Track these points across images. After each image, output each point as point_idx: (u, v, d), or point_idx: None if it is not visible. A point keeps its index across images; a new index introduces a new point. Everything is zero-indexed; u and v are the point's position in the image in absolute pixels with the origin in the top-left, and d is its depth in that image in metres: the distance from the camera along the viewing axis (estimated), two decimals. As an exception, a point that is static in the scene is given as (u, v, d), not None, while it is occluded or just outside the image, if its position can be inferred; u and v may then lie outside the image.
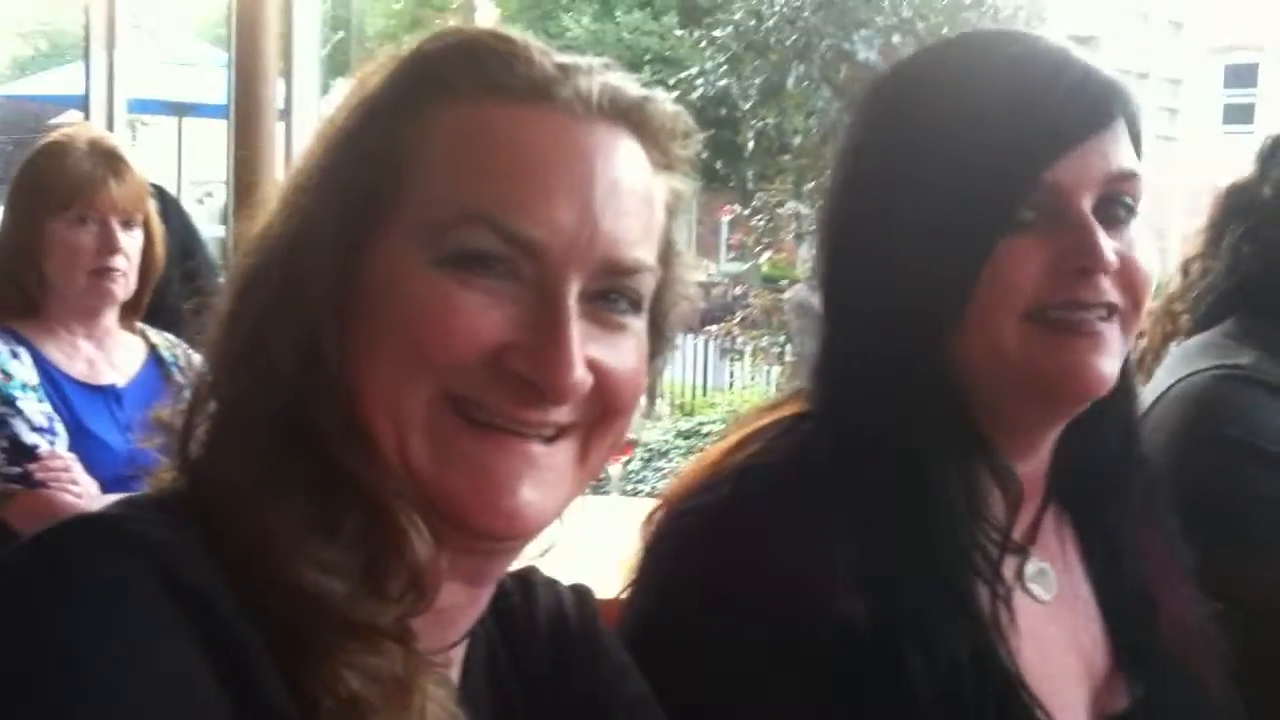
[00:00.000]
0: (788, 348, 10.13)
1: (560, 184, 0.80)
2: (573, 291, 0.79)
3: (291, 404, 0.79)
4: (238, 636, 0.71)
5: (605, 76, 0.84)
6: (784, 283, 10.68)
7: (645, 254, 0.83)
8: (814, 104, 9.23)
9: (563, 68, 0.83)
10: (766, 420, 1.16)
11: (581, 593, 1.04)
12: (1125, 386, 1.15)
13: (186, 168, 12.01)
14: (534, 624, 0.98)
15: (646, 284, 0.84)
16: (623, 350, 0.83)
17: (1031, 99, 1.05)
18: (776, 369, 10.31)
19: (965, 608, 1.06)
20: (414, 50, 0.85)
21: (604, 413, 0.82)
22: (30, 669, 0.66)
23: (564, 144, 0.81)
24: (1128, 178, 1.07)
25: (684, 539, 1.08)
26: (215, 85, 8.77)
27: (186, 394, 0.83)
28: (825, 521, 1.03)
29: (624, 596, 1.12)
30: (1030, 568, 1.14)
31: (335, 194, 0.81)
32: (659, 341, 0.89)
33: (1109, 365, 1.06)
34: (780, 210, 10.15)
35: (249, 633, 0.72)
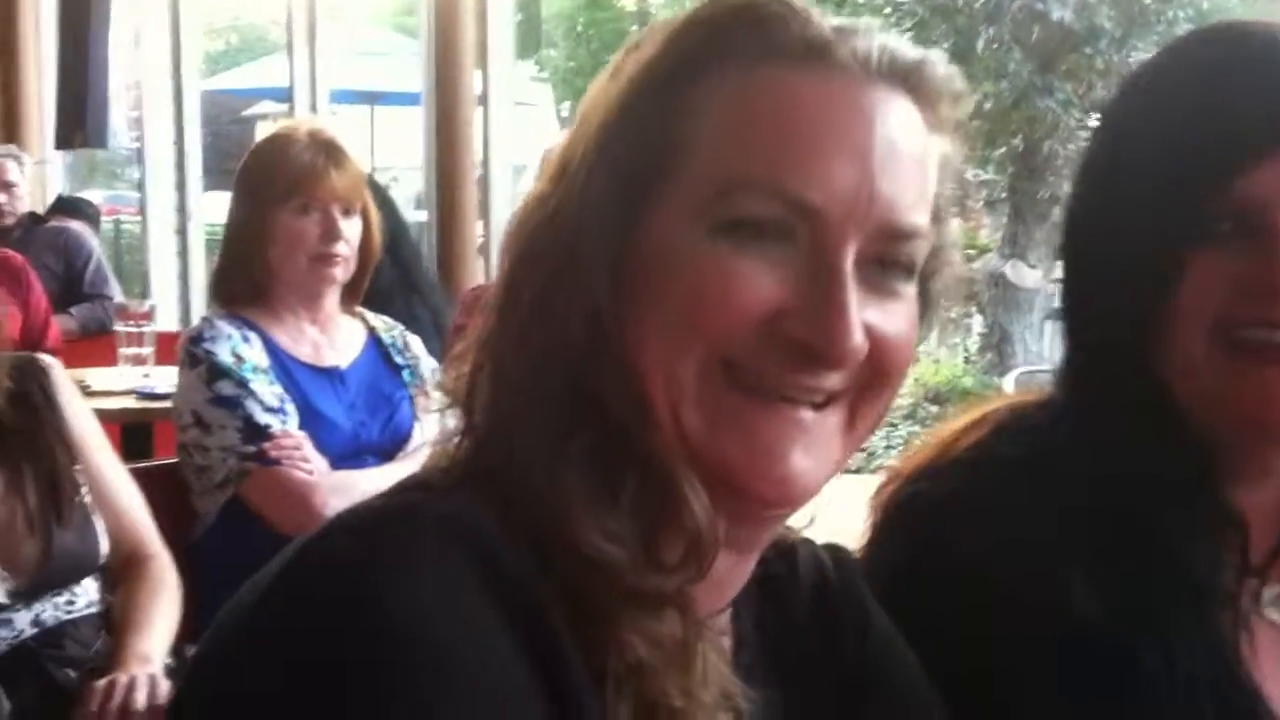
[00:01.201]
0: (977, 320, 9.93)
1: (838, 145, 0.78)
2: (850, 255, 0.78)
3: (575, 373, 0.79)
4: (550, 619, 0.73)
5: (881, 38, 0.82)
6: (970, 252, 10.45)
7: (921, 218, 0.81)
8: (1005, 67, 8.97)
9: (839, 30, 0.81)
10: (1001, 407, 1.15)
11: (839, 554, 1.02)
12: None
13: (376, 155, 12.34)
14: (797, 590, 0.97)
15: (920, 250, 0.82)
16: (896, 317, 0.81)
17: (1224, 102, 1.00)
18: (966, 341, 10.11)
19: (1205, 625, 1.02)
20: (689, 17, 0.84)
21: (874, 380, 0.81)
22: (386, 660, 0.68)
23: (842, 105, 0.79)
24: None
25: (921, 521, 1.07)
26: (406, 74, 9.02)
27: (465, 366, 0.85)
28: (1060, 517, 1.01)
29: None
30: (1268, 593, 1.09)
31: (614, 165, 0.81)
32: (924, 309, 0.86)
33: None
34: (969, 179, 9.94)
35: (557, 611, 0.73)
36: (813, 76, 0.80)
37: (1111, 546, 1.01)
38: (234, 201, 2.79)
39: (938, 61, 0.84)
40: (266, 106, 14.62)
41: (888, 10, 9.53)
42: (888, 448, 8.00)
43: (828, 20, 0.82)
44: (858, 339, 0.77)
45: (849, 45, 0.80)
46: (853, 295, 0.77)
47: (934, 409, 8.67)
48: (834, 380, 0.79)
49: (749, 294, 0.77)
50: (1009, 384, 6.02)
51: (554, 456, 0.78)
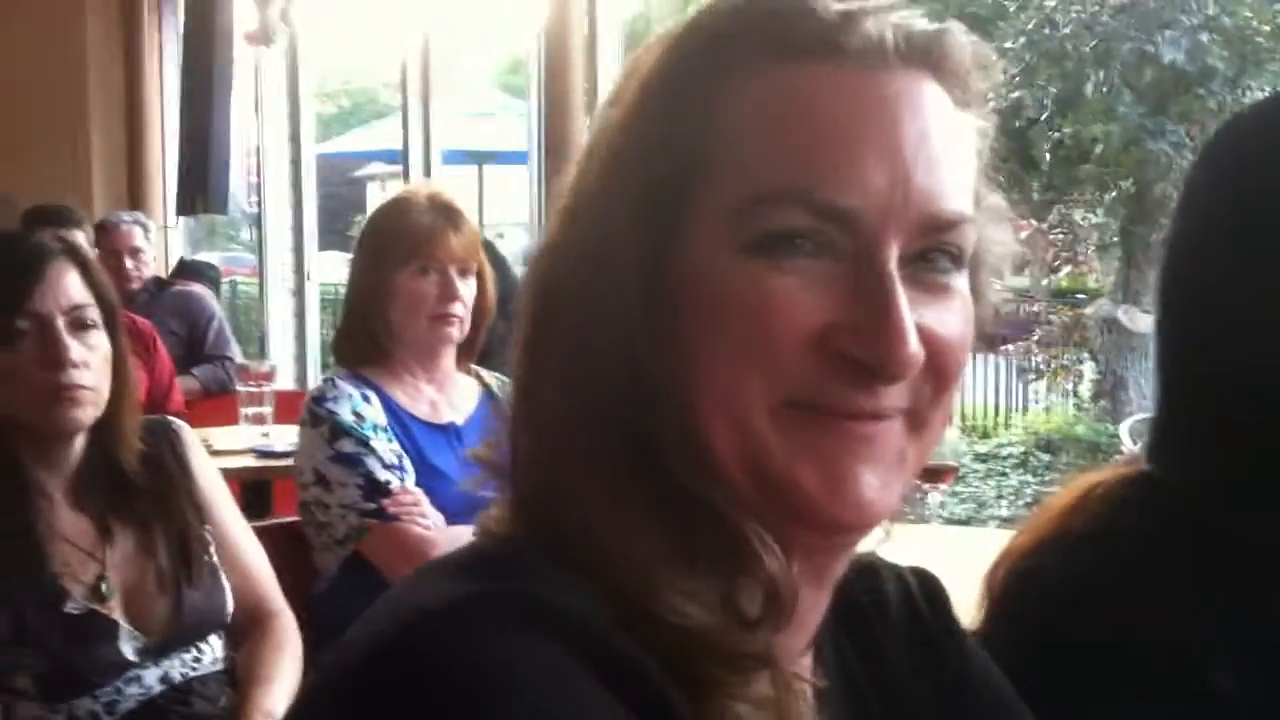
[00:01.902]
0: (1088, 365, 9.76)
1: (866, 144, 0.73)
2: (893, 257, 0.73)
3: (621, 421, 0.75)
4: (663, 694, 0.69)
5: (893, 15, 0.76)
6: (1080, 297, 10.29)
7: (964, 204, 0.76)
8: (1115, 110, 8.86)
9: (847, 14, 0.76)
10: (1109, 478, 1.13)
11: (925, 579, 0.98)
12: None
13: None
14: (886, 619, 0.93)
15: (968, 236, 0.77)
16: (950, 314, 0.76)
17: None
18: (1078, 388, 9.93)
19: None
20: (688, 27, 0.79)
21: (936, 383, 0.76)
22: None
23: (864, 99, 0.74)
24: None
25: (1045, 600, 1.06)
26: (513, 132, 9.16)
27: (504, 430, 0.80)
28: (1187, 592, 1.00)
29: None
30: None
31: (631, 195, 0.76)
32: (975, 297, 0.80)
33: None
34: (1080, 223, 9.81)
35: (670, 692, 0.69)
36: (829, 70, 0.75)
37: (1244, 621, 0.99)
38: (355, 264, 2.86)
39: (957, 31, 0.78)
40: (377, 168, 14.94)
41: (995, 56, 9.46)
42: (998, 497, 7.89)
43: (834, 4, 0.76)
44: (914, 348, 0.72)
45: (861, 31, 0.75)
46: (903, 301, 0.72)
47: (1046, 457, 8.53)
48: (895, 394, 0.75)
49: (793, 315, 0.72)
50: (1124, 430, 5.89)
51: (619, 518, 0.74)
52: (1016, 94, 9.19)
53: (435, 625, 0.68)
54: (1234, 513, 1.03)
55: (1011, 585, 1.09)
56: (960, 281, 0.77)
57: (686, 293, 0.74)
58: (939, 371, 0.75)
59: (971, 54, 0.78)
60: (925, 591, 0.96)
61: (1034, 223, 10.97)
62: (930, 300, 0.75)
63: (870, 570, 0.92)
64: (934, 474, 3.05)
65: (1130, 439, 5.55)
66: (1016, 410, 10.31)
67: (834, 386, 0.73)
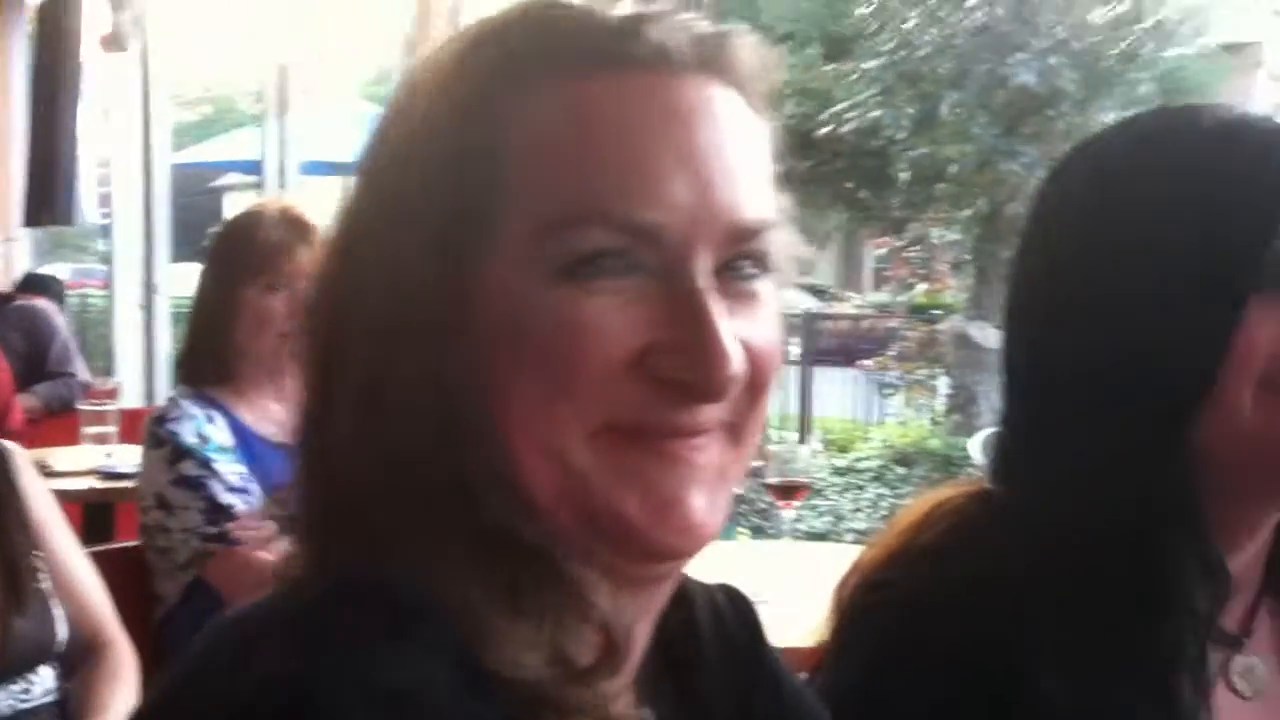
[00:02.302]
0: (943, 380, 9.97)
1: (663, 155, 0.71)
2: (704, 270, 0.71)
3: (432, 460, 0.71)
4: None
5: (677, 21, 0.75)
6: (935, 313, 10.52)
7: (766, 209, 0.75)
8: (970, 131, 9.08)
9: (629, 21, 0.74)
10: (957, 494, 1.15)
11: (737, 600, 0.97)
12: None
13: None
14: (699, 647, 0.91)
15: (772, 240, 0.76)
16: (763, 321, 0.75)
17: (1254, 163, 1.04)
18: (932, 402, 10.14)
19: (1169, 701, 1.03)
20: (473, 40, 0.76)
21: (753, 393, 0.75)
22: None
23: (656, 109, 0.72)
24: None
25: (894, 614, 1.07)
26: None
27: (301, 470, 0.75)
28: (1026, 604, 1.02)
29: (815, 659, 1.12)
30: (1238, 662, 1.10)
31: (427, 217, 0.72)
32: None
33: None
34: (934, 240, 10.03)
35: None
36: (615, 82, 0.73)
37: (1078, 631, 1.01)
38: (202, 279, 2.79)
39: (741, 34, 0.78)
40: (235, 178, 14.64)
41: (855, 76, 9.64)
42: (855, 510, 8.00)
43: (613, 12, 0.75)
44: (736, 367, 0.71)
45: (646, 38, 0.73)
46: (720, 317, 0.71)
47: (901, 470, 8.68)
48: (714, 408, 0.73)
49: (608, 338, 0.70)
50: (973, 445, 6.01)
51: (441, 566, 0.69)
52: (876, 113, 9.39)
53: (261, 685, 0.64)
54: (1074, 530, 1.05)
55: (860, 598, 1.10)
56: (768, 286, 0.76)
57: (493, 322, 0.71)
58: (756, 381, 0.74)
59: (756, 55, 0.78)
60: (735, 610, 0.95)
61: (892, 239, 11.20)
62: (742, 309, 0.74)
63: (681, 593, 0.88)
64: (787, 491, 3.09)
65: (979, 453, 5.67)
66: (875, 424, 10.49)
67: (654, 408, 0.72)
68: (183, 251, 7.57)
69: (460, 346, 0.71)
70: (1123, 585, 1.03)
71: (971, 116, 9.04)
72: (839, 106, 9.54)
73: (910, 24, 9.39)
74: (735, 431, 0.76)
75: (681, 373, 0.71)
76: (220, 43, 7.92)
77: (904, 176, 9.41)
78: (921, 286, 10.76)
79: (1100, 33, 9.13)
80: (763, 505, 3.03)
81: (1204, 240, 1.02)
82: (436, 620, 0.68)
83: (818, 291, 27.45)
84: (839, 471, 8.76)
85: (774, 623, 1.02)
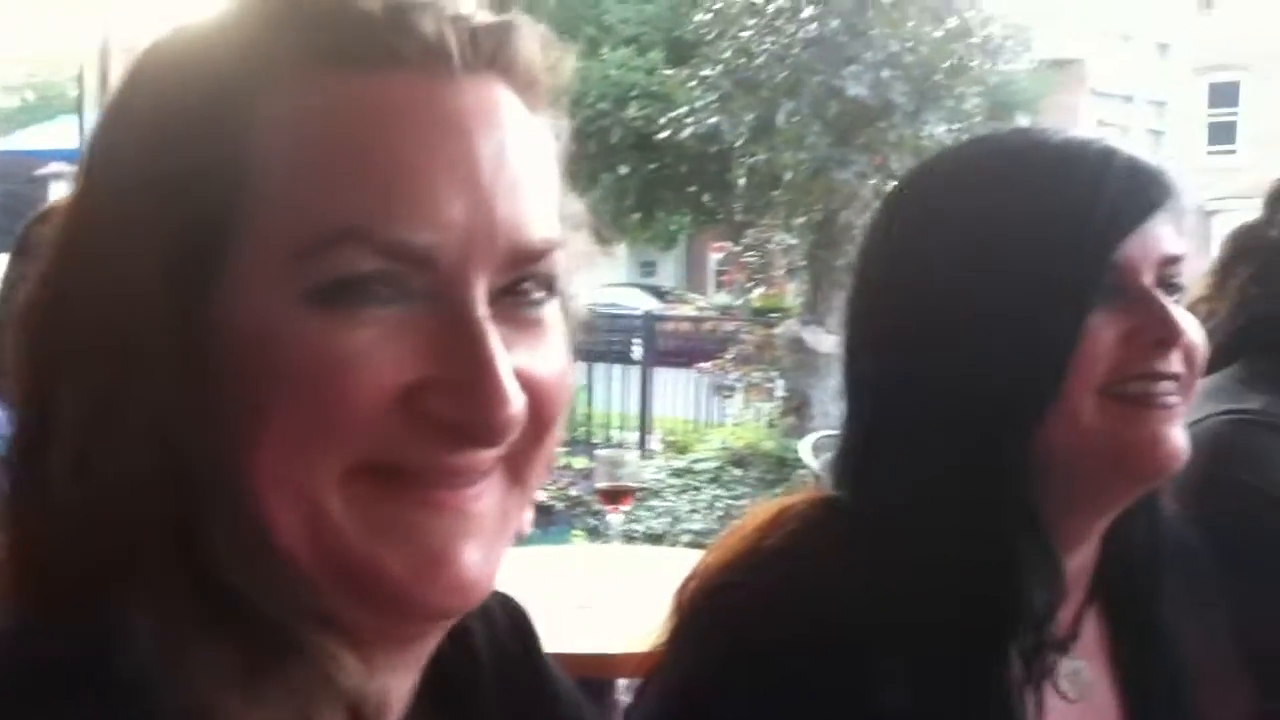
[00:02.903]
0: (780, 383, 10.12)
1: (436, 168, 0.63)
2: (481, 299, 0.63)
3: (160, 517, 0.62)
4: None
5: (448, 12, 0.66)
6: (774, 316, 10.68)
7: (551, 228, 0.67)
8: (805, 139, 9.25)
9: (397, 11, 0.64)
10: (800, 500, 1.17)
11: (514, 612, 0.90)
12: None
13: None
14: (475, 669, 0.84)
15: (559, 262, 0.68)
16: (548, 350, 0.68)
17: (1092, 185, 1.08)
18: (769, 405, 10.29)
19: (1003, 707, 1.06)
20: (217, 27, 0.66)
21: (536, 430, 0.66)
22: None
23: (429, 114, 0.64)
24: (1178, 260, 1.10)
25: (734, 615, 1.08)
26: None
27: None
28: (869, 609, 1.04)
29: (651, 663, 1.12)
30: (1066, 666, 1.14)
31: (154, 234, 0.62)
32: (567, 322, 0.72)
33: (1182, 439, 1.09)
34: (771, 245, 10.19)
35: None
36: (382, 82, 0.63)
37: (916, 639, 1.03)
38: (6, 275, 2.68)
39: (525, 25, 0.69)
40: (60, 166, 14.10)
41: (693, 84, 9.74)
42: (692, 511, 8.07)
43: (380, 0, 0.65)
44: (516, 405, 0.63)
45: (417, 32, 0.64)
46: (498, 351, 0.63)
47: (737, 472, 8.79)
48: (493, 453, 0.66)
49: (371, 376, 0.62)
50: (803, 447, 6.12)
51: (170, 641, 0.61)
52: (714, 120, 9.50)
53: None
54: (917, 536, 1.07)
55: (701, 602, 1.11)
56: (554, 311, 0.69)
57: (234, 355, 0.62)
58: (540, 418, 0.66)
59: (541, 49, 0.70)
60: (511, 623, 0.90)
61: (730, 244, 11.33)
62: (524, 338, 0.66)
63: (461, 625, 0.80)
64: (614, 496, 3.11)
65: (811, 455, 5.77)
66: (713, 426, 10.59)
67: (421, 451, 0.63)
68: (5, 241, 7.27)
69: (195, 382, 0.62)
70: (964, 591, 1.05)
71: (807, 125, 9.21)
72: (679, 111, 9.63)
73: (748, 33, 9.52)
74: (517, 472, 0.68)
75: (454, 413, 0.62)
76: (42, 25, 7.58)
77: (742, 182, 9.54)
78: (758, 290, 10.92)
79: (931, 47, 9.39)
80: (599, 507, 3.04)
81: (1046, 257, 1.06)
82: (160, 708, 0.59)
83: (660, 293, 27.66)
84: (677, 473, 8.82)
85: (601, 628, 1.01)
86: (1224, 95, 29.39)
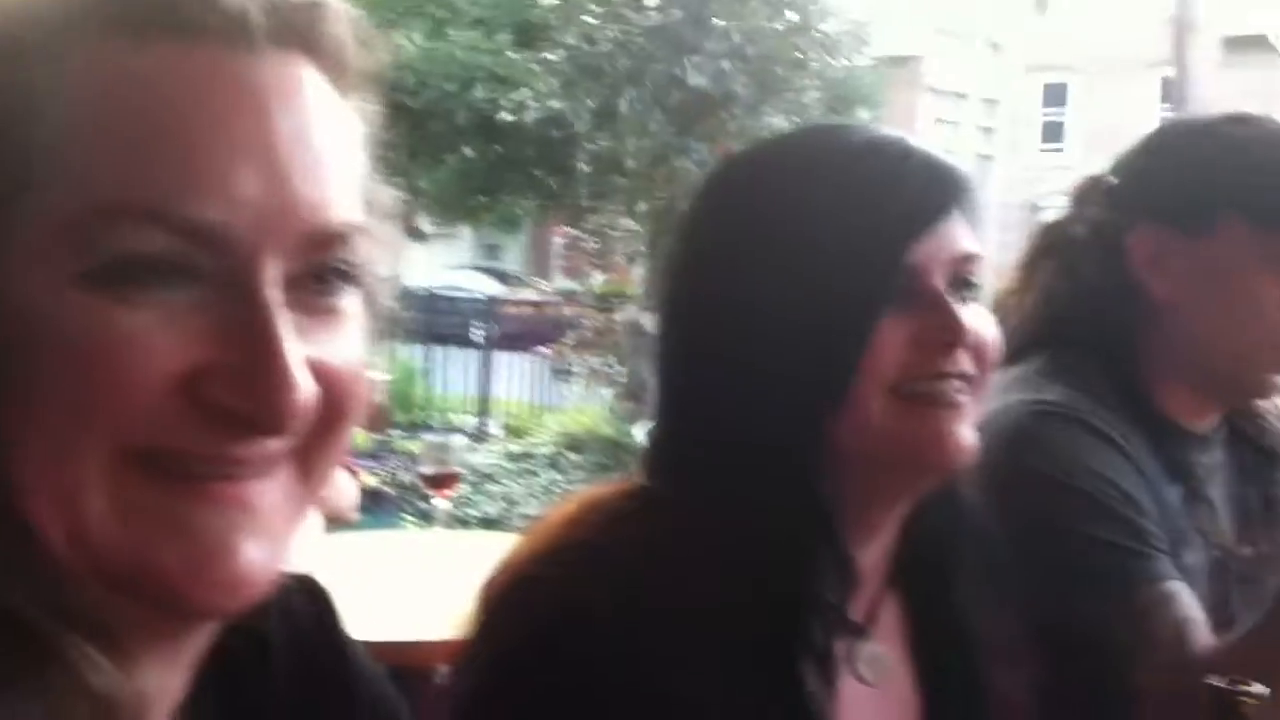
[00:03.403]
0: (620, 369, 10.16)
1: (232, 143, 0.60)
2: (271, 280, 0.61)
3: None
4: None
5: None
6: (617, 302, 10.71)
7: (353, 211, 0.65)
8: (647, 127, 9.29)
9: None
10: (611, 491, 1.17)
11: (316, 596, 0.89)
12: None
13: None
14: (267, 673, 0.82)
15: (360, 248, 0.66)
16: (344, 341, 0.65)
17: (887, 186, 1.10)
18: (609, 391, 10.32)
19: (797, 694, 1.08)
20: None
21: (328, 422, 0.64)
22: None
23: (226, 88, 0.61)
24: (972, 259, 1.13)
25: (540, 606, 1.08)
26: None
27: None
28: (671, 601, 1.04)
29: (459, 652, 1.11)
30: (864, 651, 1.17)
31: None
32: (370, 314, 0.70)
33: (969, 434, 1.12)
34: (613, 232, 10.21)
35: None
36: (179, 52, 0.61)
37: (716, 629, 1.05)
38: None
39: (332, 6, 0.68)
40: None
41: (535, 67, 9.70)
42: (529, 495, 8.07)
43: None
44: (304, 394, 0.61)
45: (219, 4, 0.62)
46: (287, 337, 0.61)
47: (575, 457, 8.81)
48: (278, 443, 0.63)
49: (151, 361, 0.59)
50: (639, 431, 6.16)
51: None
52: (557, 105, 9.47)
53: None
54: (717, 528, 1.08)
55: (509, 595, 1.10)
56: (354, 302, 0.67)
57: (5, 338, 0.59)
58: (334, 410, 0.64)
59: (349, 29, 0.68)
60: (314, 611, 0.88)
61: (571, 229, 11.33)
62: (320, 327, 0.64)
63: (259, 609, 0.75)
64: (439, 481, 3.08)
65: (645, 439, 5.80)
66: (551, 411, 10.58)
67: (201, 440, 0.61)
68: None
69: None
70: (761, 582, 1.07)
71: (649, 113, 9.26)
72: (523, 95, 9.58)
73: (592, 19, 9.52)
74: (306, 465, 0.66)
75: (238, 400, 0.60)
76: None
77: (585, 168, 9.54)
78: (601, 276, 10.94)
79: (771, 40, 9.50)
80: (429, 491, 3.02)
81: (838, 259, 1.07)
82: None
83: (504, 277, 27.51)
84: (514, 457, 8.80)
85: (422, 615, 0.99)
86: (1055, 95, 30.44)
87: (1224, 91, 14.81)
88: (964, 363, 1.10)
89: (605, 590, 1.06)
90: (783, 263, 1.09)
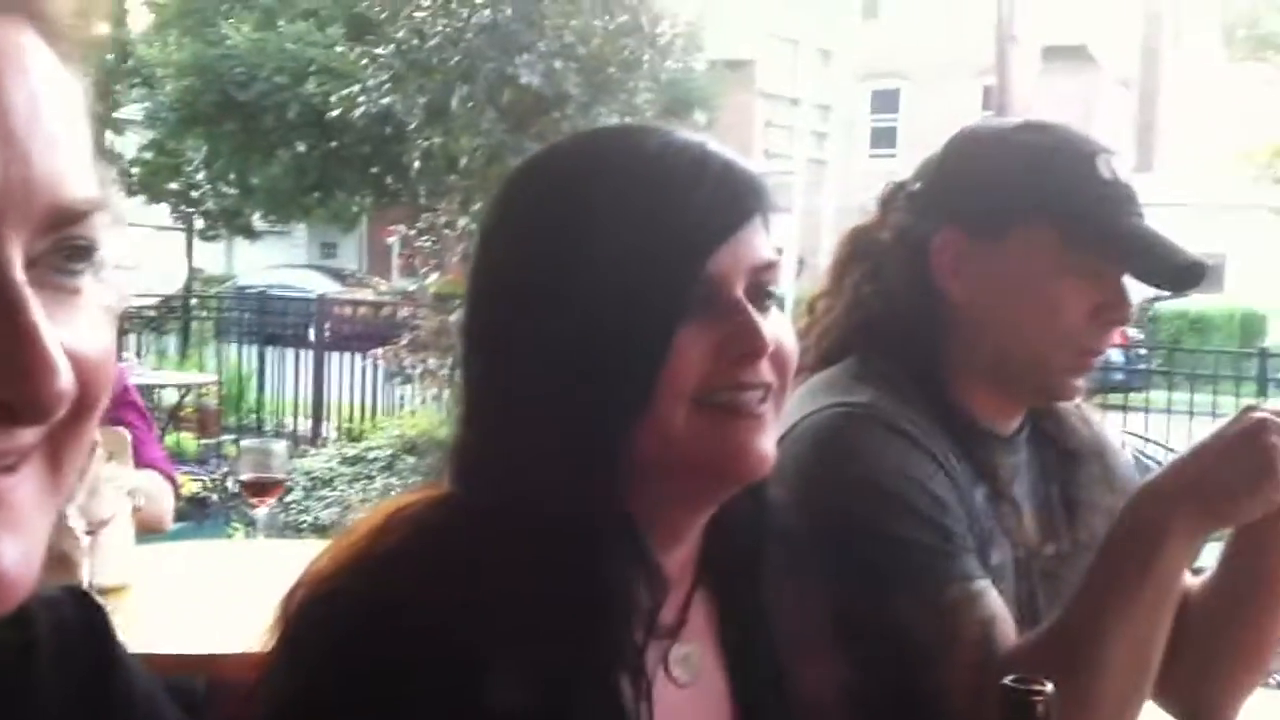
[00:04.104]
0: (457, 371, 10.06)
1: None
2: (17, 261, 0.58)
3: None
4: None
5: None
6: (455, 302, 10.61)
7: (92, 186, 0.62)
8: (480, 125, 9.24)
9: None
10: (416, 501, 1.15)
11: (87, 606, 0.86)
12: None
13: None
14: (30, 670, 0.79)
15: (100, 225, 0.63)
16: (90, 323, 0.62)
17: (684, 194, 1.08)
18: (446, 392, 10.22)
19: (612, 700, 1.08)
20: None
21: (77, 411, 0.61)
22: None
23: None
24: (771, 266, 1.13)
25: (340, 619, 1.05)
26: None
27: None
28: (478, 612, 1.03)
29: (260, 665, 1.09)
30: (676, 652, 1.17)
31: None
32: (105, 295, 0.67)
33: (770, 445, 1.12)
34: (447, 231, 10.11)
35: None
36: None
37: (526, 635, 1.03)
38: None
39: None
40: None
41: (365, 62, 9.56)
42: (364, 501, 7.94)
43: None
44: (65, 379, 0.57)
45: None
46: (41, 320, 0.57)
47: (411, 460, 8.70)
48: (33, 436, 0.60)
49: None
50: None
51: None
52: (388, 100, 9.35)
53: None
54: (524, 537, 1.06)
55: (309, 608, 1.07)
56: (96, 283, 0.64)
57: None
58: (83, 395, 0.61)
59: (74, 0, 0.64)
60: (87, 626, 0.86)
61: (403, 227, 11.19)
62: (64, 310, 0.61)
63: (19, 612, 0.76)
64: (259, 488, 2.99)
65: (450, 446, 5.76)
66: (387, 414, 10.45)
67: None
68: None
69: None
70: (568, 589, 1.06)
71: (481, 111, 9.21)
72: (352, 90, 9.44)
73: (422, 14, 9.43)
74: (57, 457, 0.62)
75: None
76: None
77: (417, 166, 9.44)
78: (435, 276, 10.82)
79: (603, 40, 9.53)
80: (250, 500, 2.89)
81: (636, 269, 1.06)
82: None
83: (341, 276, 27.05)
84: (349, 461, 8.66)
85: (224, 627, 0.95)
86: (887, 101, 31.24)
87: (1043, 99, 15.37)
88: (765, 373, 1.11)
89: (410, 601, 1.04)
90: (582, 271, 1.08)
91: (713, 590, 1.22)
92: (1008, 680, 0.96)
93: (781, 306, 1.17)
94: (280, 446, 3.08)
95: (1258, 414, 1.34)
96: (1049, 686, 0.95)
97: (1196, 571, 1.63)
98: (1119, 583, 1.36)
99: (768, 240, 1.13)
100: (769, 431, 1.12)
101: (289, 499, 7.51)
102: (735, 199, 1.11)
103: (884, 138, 30.48)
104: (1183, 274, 1.55)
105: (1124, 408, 10.49)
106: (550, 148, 1.23)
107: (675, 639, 1.16)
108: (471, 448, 1.15)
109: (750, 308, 1.09)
